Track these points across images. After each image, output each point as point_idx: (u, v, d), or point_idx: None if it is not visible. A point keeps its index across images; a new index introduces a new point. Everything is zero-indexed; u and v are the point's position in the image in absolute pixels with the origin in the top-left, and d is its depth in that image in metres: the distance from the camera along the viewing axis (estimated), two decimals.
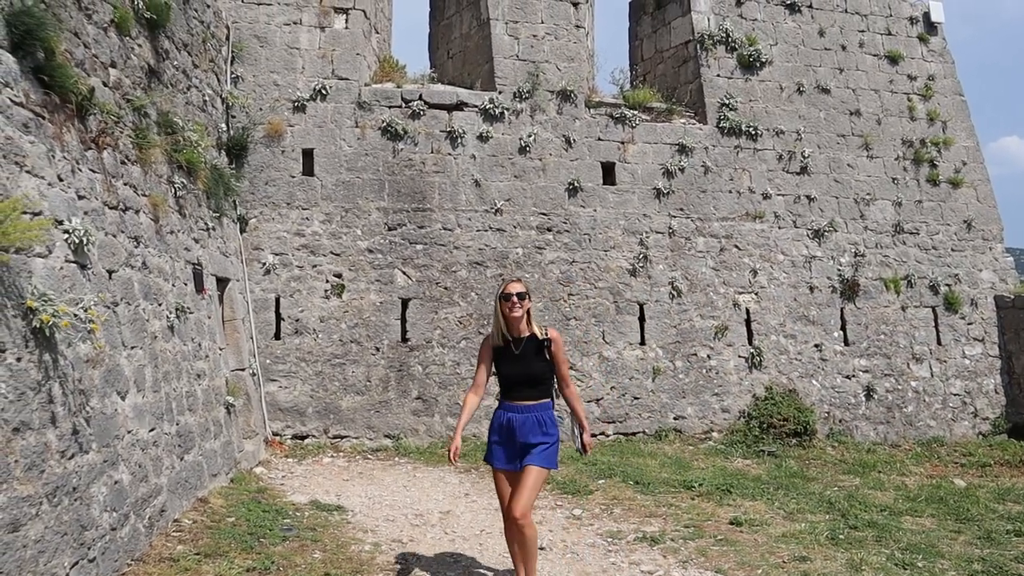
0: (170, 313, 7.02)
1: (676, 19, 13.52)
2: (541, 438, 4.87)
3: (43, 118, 5.08)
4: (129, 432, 5.66)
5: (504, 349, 4.95)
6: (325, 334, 10.85)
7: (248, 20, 11.30)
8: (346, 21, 11.68)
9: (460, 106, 11.81)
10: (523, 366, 4.92)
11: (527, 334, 4.98)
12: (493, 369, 5.13)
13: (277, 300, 10.85)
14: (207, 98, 9.80)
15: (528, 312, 4.99)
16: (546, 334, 4.98)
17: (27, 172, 4.77)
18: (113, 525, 5.08)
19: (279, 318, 10.82)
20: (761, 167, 12.86)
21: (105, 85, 6.34)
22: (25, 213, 4.53)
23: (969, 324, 13.39)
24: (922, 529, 7.20)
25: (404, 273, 11.21)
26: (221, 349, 8.91)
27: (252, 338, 10.42)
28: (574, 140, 12.09)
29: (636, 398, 11.55)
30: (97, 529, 4.85)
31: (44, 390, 4.48)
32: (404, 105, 11.62)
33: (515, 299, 4.88)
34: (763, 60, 13.17)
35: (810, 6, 13.76)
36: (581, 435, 5.16)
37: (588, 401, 11.32)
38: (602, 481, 8.75)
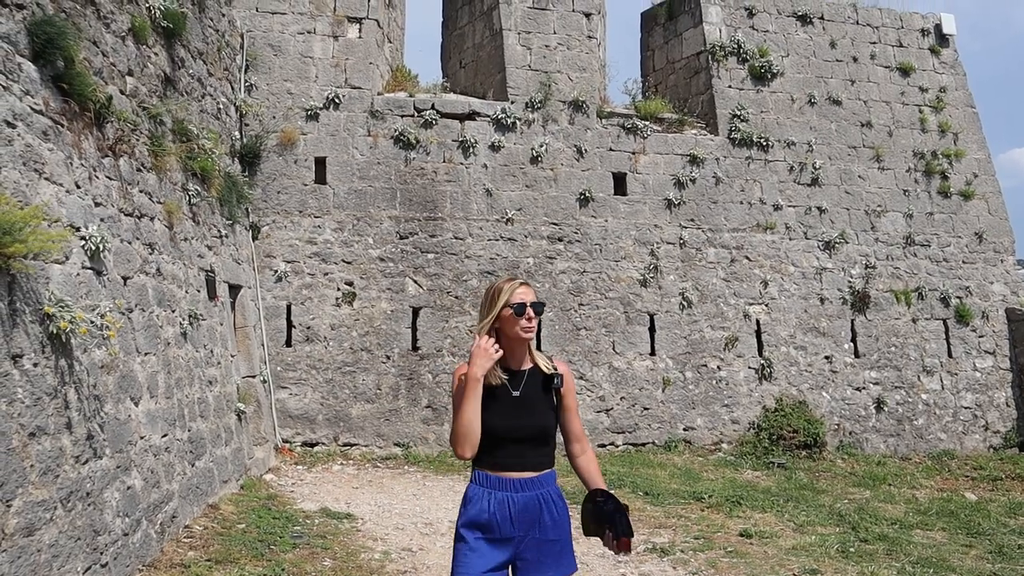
0: (183, 320, 7.07)
1: (688, 30, 13.56)
2: (553, 532, 3.18)
3: (62, 126, 5.14)
4: (142, 438, 5.69)
5: (496, 389, 3.20)
6: (336, 342, 10.88)
7: (262, 29, 11.38)
8: (359, 30, 11.76)
9: (472, 116, 11.86)
10: (526, 415, 3.20)
11: (529, 366, 3.29)
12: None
13: (288, 307, 10.90)
14: (221, 106, 9.88)
15: None
16: (554, 367, 3.31)
17: (46, 179, 4.82)
18: (125, 530, 5.10)
19: (290, 325, 10.86)
20: (772, 178, 12.85)
21: (122, 93, 6.40)
22: (44, 220, 4.58)
23: (980, 337, 13.33)
24: (933, 543, 7.17)
25: (415, 282, 11.25)
26: (233, 356, 8.95)
27: (263, 345, 10.47)
28: (585, 150, 12.12)
29: (646, 408, 11.53)
30: (110, 534, 4.87)
31: (60, 395, 4.52)
32: (416, 114, 11.67)
33: (531, 312, 3.21)
34: (774, 71, 13.18)
35: (821, 18, 13.78)
36: (616, 525, 3.13)
37: (598, 411, 11.31)
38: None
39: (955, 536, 7.47)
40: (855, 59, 13.78)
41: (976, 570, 6.29)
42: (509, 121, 11.86)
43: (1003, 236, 14.01)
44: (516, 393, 3.22)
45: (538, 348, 11.06)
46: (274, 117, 11.26)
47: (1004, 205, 14.17)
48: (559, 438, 3.35)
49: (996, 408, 13.09)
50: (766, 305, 12.35)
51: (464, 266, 11.37)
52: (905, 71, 14.02)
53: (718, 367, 11.94)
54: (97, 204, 5.54)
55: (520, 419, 3.19)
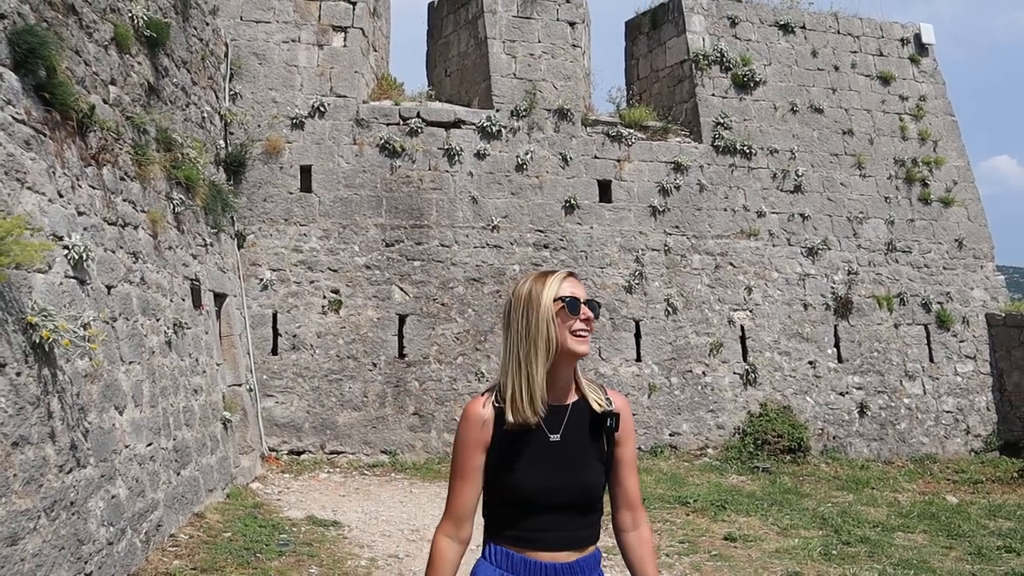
0: (168, 328, 7.06)
1: (671, 39, 13.67)
2: None
3: (44, 135, 5.15)
4: (126, 447, 5.68)
5: (527, 432, 2.26)
6: (322, 350, 10.88)
7: (247, 38, 11.39)
8: (344, 39, 11.79)
9: (458, 124, 11.90)
10: (567, 470, 2.28)
11: (575, 399, 2.38)
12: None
13: (274, 316, 10.89)
14: (206, 115, 9.88)
15: None
16: (608, 400, 2.42)
17: (28, 188, 4.83)
18: (110, 540, 5.10)
19: (276, 334, 10.85)
20: (755, 185, 12.96)
21: (105, 102, 6.41)
22: (26, 229, 4.58)
23: (961, 342, 13.46)
24: (914, 545, 7.24)
25: (401, 289, 11.26)
26: (218, 365, 8.94)
27: (249, 354, 10.45)
28: (571, 158, 12.19)
29: (632, 414, 11.55)
30: (94, 544, 4.87)
31: (43, 405, 4.52)
32: (402, 122, 11.71)
33: (585, 309, 2.29)
34: (757, 80, 13.30)
35: (803, 27, 13.92)
36: None
37: None
38: None
39: (936, 538, 7.54)
40: (836, 68, 13.92)
41: (956, 571, 6.36)
42: (494, 129, 11.91)
43: (982, 242, 14.17)
44: (555, 437, 2.26)
45: None
46: (259, 126, 11.26)
47: (983, 211, 14.33)
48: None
49: (977, 412, 13.22)
50: (750, 311, 12.43)
51: (450, 273, 11.40)
52: (885, 80, 14.17)
53: (703, 373, 12.01)
54: (80, 213, 5.54)
55: (560, 476, 2.24)
